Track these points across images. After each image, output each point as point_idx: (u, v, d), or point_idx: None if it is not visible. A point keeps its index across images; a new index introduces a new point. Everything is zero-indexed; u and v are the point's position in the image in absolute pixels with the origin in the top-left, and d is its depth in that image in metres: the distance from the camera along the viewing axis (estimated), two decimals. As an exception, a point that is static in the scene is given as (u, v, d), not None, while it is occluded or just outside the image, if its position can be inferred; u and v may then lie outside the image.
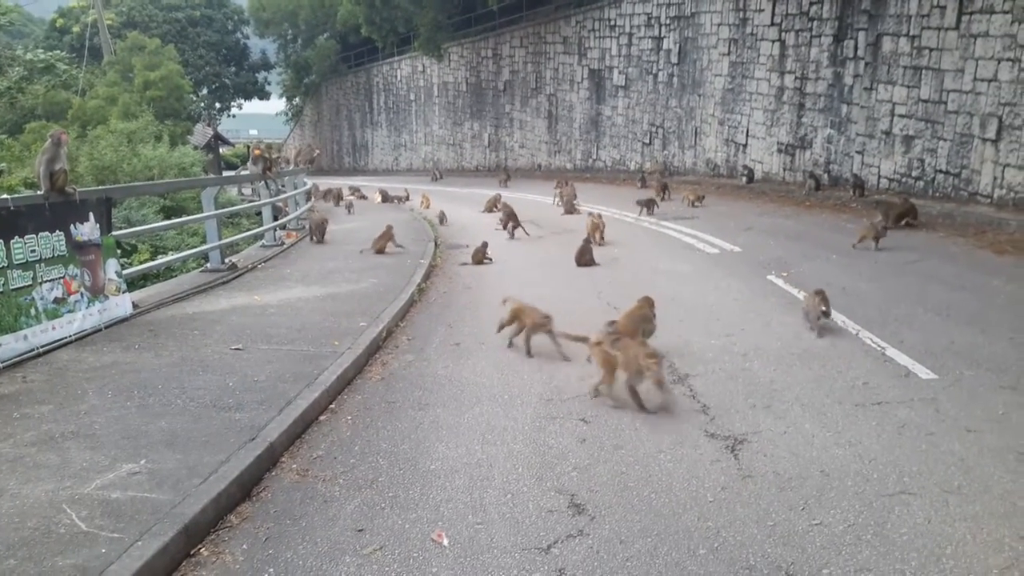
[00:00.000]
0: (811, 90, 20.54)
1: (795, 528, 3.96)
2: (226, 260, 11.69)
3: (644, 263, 11.92)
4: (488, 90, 39.30)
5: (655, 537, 3.92)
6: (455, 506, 4.30)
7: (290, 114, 62.77)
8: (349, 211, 21.42)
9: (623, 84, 29.81)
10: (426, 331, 8.38)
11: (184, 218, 15.20)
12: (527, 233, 15.22)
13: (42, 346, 7.11)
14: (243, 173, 19.84)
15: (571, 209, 18.79)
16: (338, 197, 24.34)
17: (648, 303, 7.11)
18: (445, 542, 3.91)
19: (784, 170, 21.92)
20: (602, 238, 13.67)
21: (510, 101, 37.67)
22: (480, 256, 12.41)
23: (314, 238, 14.65)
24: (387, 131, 50.39)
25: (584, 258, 11.81)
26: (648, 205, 17.20)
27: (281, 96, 64.14)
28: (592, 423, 5.46)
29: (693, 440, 5.11)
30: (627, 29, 29.15)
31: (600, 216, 14.26)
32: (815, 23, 20.12)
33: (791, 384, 6.17)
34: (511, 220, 15.46)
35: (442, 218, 18.22)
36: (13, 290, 6.92)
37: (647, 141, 28.80)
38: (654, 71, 27.98)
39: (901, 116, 17.26)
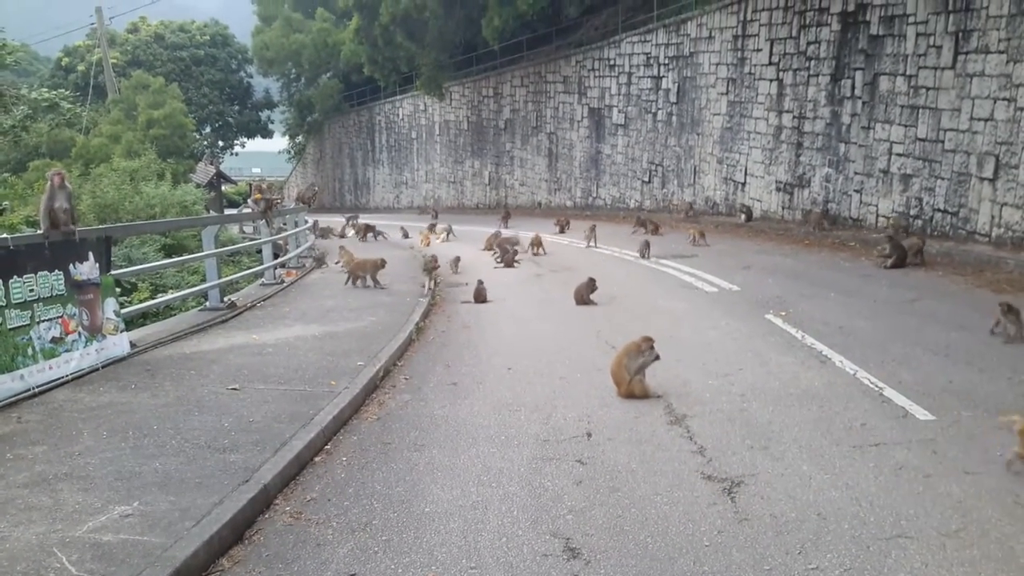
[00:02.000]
0: (809, 129, 20.71)
1: (791, 572, 3.92)
2: (225, 299, 11.70)
3: (643, 302, 11.94)
4: (489, 128, 39.65)
5: (650, 583, 3.88)
6: (449, 550, 4.26)
7: (292, 152, 63.25)
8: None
9: (622, 123, 30.09)
10: (424, 370, 8.37)
11: (184, 257, 15.24)
12: (516, 262, 15.22)
13: (38, 386, 7.09)
14: (244, 211, 19.95)
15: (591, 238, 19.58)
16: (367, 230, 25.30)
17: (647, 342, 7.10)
18: (438, 587, 3.88)
19: (783, 208, 22.02)
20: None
21: (511, 139, 38.00)
22: (479, 295, 12.43)
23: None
24: (388, 169, 50.75)
25: (583, 297, 11.83)
26: (645, 248, 17.12)
27: (284, 134, 64.71)
28: (588, 464, 5.43)
29: (690, 482, 5.08)
30: (626, 68, 29.49)
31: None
32: (812, 63, 20.35)
33: (789, 425, 6.15)
34: (505, 251, 15.71)
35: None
36: (10, 329, 6.91)
37: (646, 179, 28.98)
38: (653, 110, 28.25)
39: (899, 155, 17.38)
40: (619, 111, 30.23)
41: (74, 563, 3.88)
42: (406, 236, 25.38)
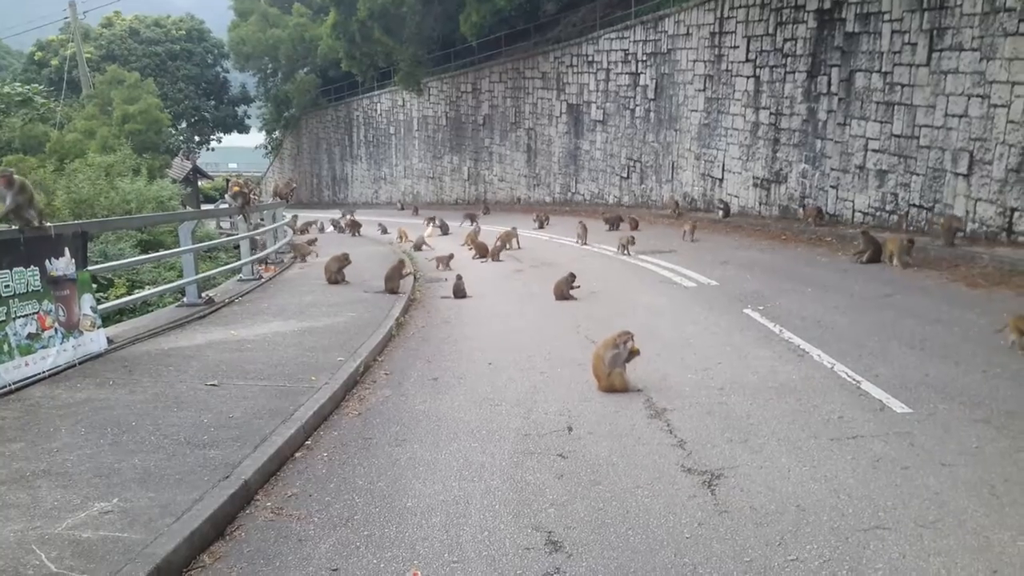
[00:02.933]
0: (786, 125, 20.87)
1: (771, 564, 3.96)
2: (203, 295, 11.63)
3: (622, 297, 11.99)
4: (467, 124, 39.62)
5: (632, 575, 3.90)
6: (431, 544, 4.26)
7: (270, 147, 62.87)
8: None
9: (601, 119, 30.18)
10: (404, 366, 8.35)
11: (161, 252, 15.10)
12: (497, 259, 15.25)
13: (14, 382, 7.00)
14: (222, 207, 19.82)
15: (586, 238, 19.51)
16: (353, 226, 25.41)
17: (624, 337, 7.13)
18: (420, 582, 3.88)
19: (760, 204, 22.18)
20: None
21: (489, 135, 37.99)
22: (459, 290, 12.42)
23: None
24: (367, 164, 50.58)
25: (562, 292, 11.86)
26: (626, 244, 17.13)
27: (261, 130, 64.28)
28: (569, 458, 5.45)
29: (670, 475, 5.11)
30: (604, 64, 29.57)
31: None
32: (789, 59, 20.50)
33: (767, 418, 6.19)
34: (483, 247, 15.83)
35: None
36: (-14, 325, 6.84)
37: (625, 175, 29.09)
38: (631, 106, 28.36)
39: (875, 151, 17.56)
40: (597, 107, 30.32)
41: (53, 560, 3.84)
42: (384, 232, 25.31)
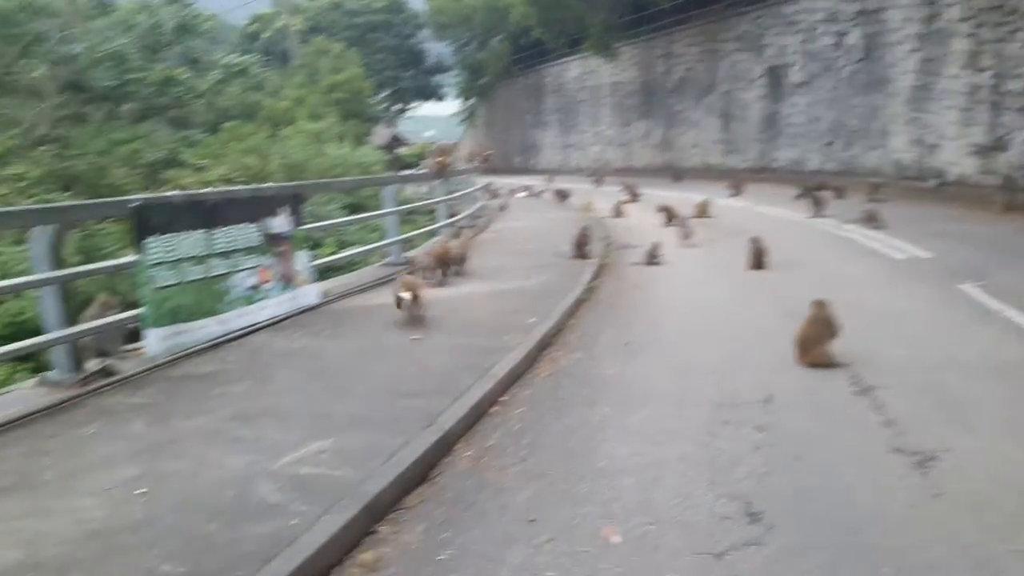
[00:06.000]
0: (1010, 88, 18.92)
1: (991, 553, 3.68)
2: (404, 255, 12.18)
3: (822, 268, 11.41)
4: (659, 89, 38.82)
5: (835, 551, 3.75)
6: (624, 505, 4.28)
7: (464, 115, 64.50)
8: (502, 209, 21.75)
9: (803, 81, 28.63)
10: (595, 330, 8.39)
11: (368, 213, 15.91)
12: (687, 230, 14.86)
13: (238, 330, 7.69)
14: (420, 172, 20.59)
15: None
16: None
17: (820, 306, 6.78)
18: (615, 539, 3.91)
19: (979, 173, 20.33)
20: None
21: (681, 100, 37.05)
22: (650, 257, 12.29)
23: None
24: (556, 131, 50.80)
25: (757, 261, 11.45)
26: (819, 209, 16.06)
27: (456, 98, 66.04)
28: (768, 431, 5.28)
29: (878, 454, 4.84)
30: (807, 24, 27.98)
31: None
32: (1013, 17, 18.51)
33: (987, 400, 5.72)
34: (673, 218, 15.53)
35: (617, 211, 17.24)
36: (214, 277, 7.53)
37: (828, 141, 27.50)
38: (836, 68, 26.70)
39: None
40: (799, 69, 28.77)
41: (275, 492, 4.20)
42: (565, 198, 25.32)
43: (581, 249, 12.43)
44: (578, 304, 9.42)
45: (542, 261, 12.26)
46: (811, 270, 11.29)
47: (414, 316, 8.07)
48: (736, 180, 24.67)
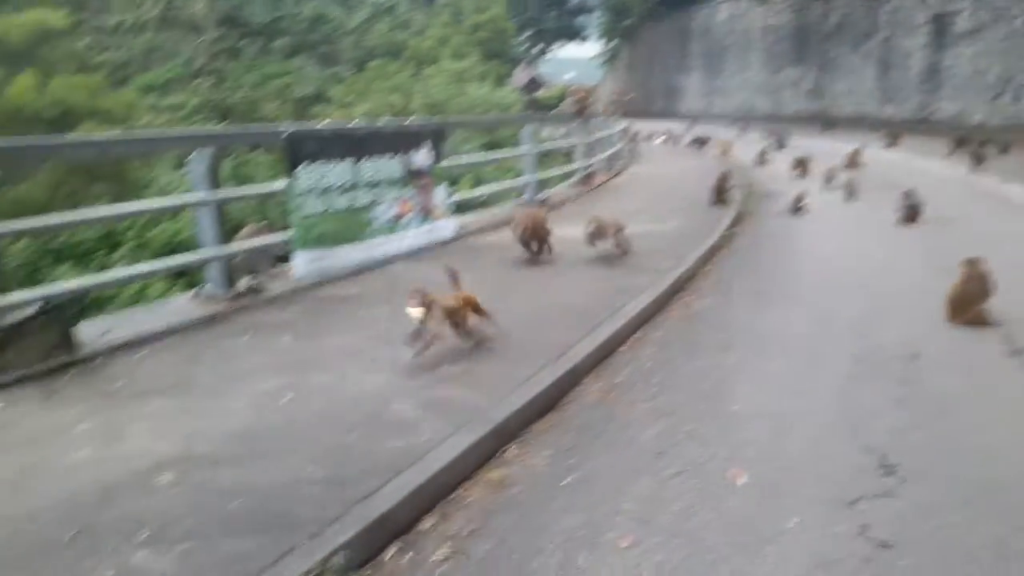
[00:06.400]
0: None
1: None
2: (539, 195, 12.20)
3: (978, 225, 10.72)
4: (813, 34, 36.87)
5: (974, 510, 3.57)
6: (757, 449, 4.21)
7: (605, 58, 63.43)
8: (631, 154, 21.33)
9: (971, 30, 26.48)
10: (730, 277, 8.20)
11: (506, 152, 16.00)
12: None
13: (379, 257, 7.97)
14: (558, 114, 20.47)
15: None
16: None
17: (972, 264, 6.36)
18: (742, 481, 3.86)
19: None
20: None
21: (837, 46, 35.09)
22: (794, 206, 11.83)
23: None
24: (701, 76, 49.25)
25: (909, 216, 10.84)
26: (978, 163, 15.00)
27: (598, 40, 64.98)
28: (912, 386, 5.04)
29: (1032, 418, 4.55)
30: (982, -35, 25.82)
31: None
32: None
33: None
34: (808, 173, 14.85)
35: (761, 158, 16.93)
36: (359, 207, 7.79)
37: (995, 94, 25.45)
38: (1008, 17, 24.52)
39: None
40: (968, 15, 26.61)
41: (409, 409, 4.36)
42: (703, 145, 24.58)
43: (720, 196, 12.09)
44: (714, 251, 9.21)
45: (679, 206, 12.02)
46: (966, 226, 10.62)
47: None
48: (892, 131, 23.32)
